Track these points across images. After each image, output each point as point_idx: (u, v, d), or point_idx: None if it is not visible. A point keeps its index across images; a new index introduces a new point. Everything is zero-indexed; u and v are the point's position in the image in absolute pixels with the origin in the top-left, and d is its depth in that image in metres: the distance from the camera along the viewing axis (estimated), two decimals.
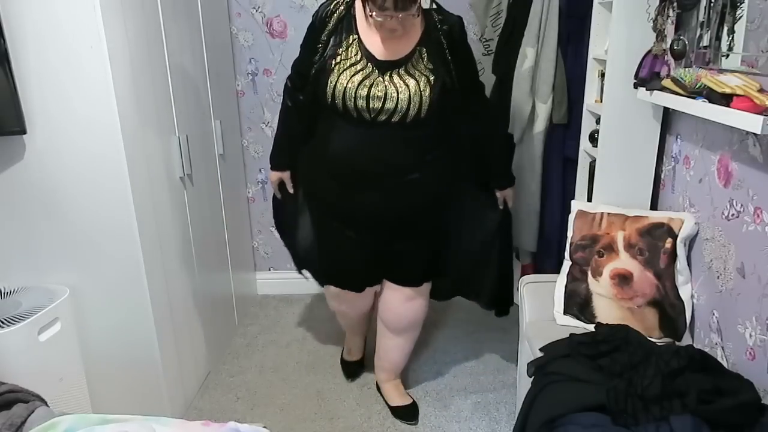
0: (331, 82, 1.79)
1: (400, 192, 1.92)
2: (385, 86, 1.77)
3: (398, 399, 2.26)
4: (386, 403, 2.28)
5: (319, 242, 2.12)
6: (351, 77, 1.77)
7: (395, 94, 1.76)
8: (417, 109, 1.78)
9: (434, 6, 1.84)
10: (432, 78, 1.78)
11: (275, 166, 2.13)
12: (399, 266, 2.07)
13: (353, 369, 2.52)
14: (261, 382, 2.46)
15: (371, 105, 1.77)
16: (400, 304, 2.13)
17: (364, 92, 1.77)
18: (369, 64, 1.78)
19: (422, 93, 1.77)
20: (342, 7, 1.83)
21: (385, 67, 1.78)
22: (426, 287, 2.16)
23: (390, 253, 2.03)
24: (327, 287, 2.23)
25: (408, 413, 2.21)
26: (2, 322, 1.58)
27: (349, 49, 1.80)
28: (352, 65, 1.79)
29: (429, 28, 1.80)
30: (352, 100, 1.77)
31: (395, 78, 1.78)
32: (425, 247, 2.06)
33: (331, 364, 2.58)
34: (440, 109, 1.82)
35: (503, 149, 2.16)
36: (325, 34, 1.83)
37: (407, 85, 1.77)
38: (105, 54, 1.68)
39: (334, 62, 1.80)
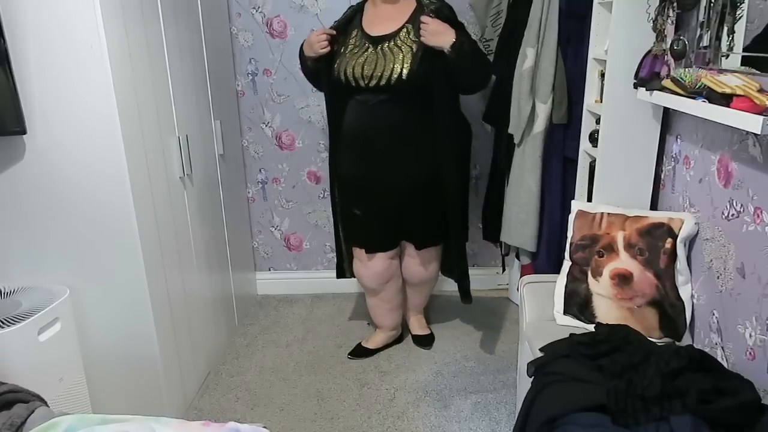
0: (338, 62, 2.23)
1: (399, 160, 2.26)
2: (376, 55, 2.16)
3: (419, 329, 2.74)
4: (410, 333, 2.75)
5: (342, 214, 2.53)
6: (352, 54, 2.21)
7: (383, 60, 2.15)
8: (399, 72, 2.13)
9: None
10: (414, 48, 2.13)
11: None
12: (405, 233, 2.45)
13: (361, 351, 2.64)
14: (261, 382, 2.46)
15: (365, 72, 2.16)
16: (415, 266, 2.55)
17: (360, 61, 2.17)
18: (365, 42, 2.21)
19: (404, 59, 2.13)
20: (351, 12, 2.31)
21: (377, 41, 2.18)
22: (433, 252, 2.52)
23: (395, 223, 2.40)
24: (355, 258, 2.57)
25: (424, 341, 2.70)
26: (2, 322, 1.58)
27: (354, 38, 2.24)
28: (354, 47, 2.22)
29: (417, 9, 2.18)
30: (351, 68, 2.18)
31: (385, 48, 2.16)
32: (421, 217, 2.39)
33: (331, 364, 2.58)
34: (425, 79, 2.13)
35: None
36: (342, 36, 2.27)
37: (392, 53, 2.15)
38: (105, 54, 1.68)
39: (344, 49, 2.24)
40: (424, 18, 2.10)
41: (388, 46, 2.16)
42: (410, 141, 2.24)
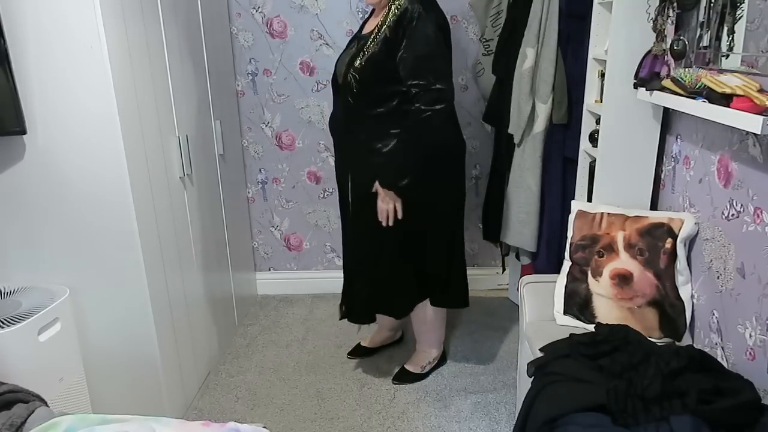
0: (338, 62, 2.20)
1: (352, 160, 2.18)
2: (348, 54, 2.11)
3: (408, 363, 2.50)
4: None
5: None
6: (343, 53, 2.18)
7: (344, 59, 2.11)
8: (343, 75, 2.07)
9: None
10: (368, 53, 2.02)
11: None
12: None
13: (360, 351, 2.64)
14: (261, 382, 2.46)
15: (338, 69, 2.14)
16: None
17: (342, 57, 2.16)
18: (355, 40, 2.16)
19: (352, 63, 2.05)
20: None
21: (359, 40, 2.10)
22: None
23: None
24: None
25: (401, 376, 2.46)
26: (2, 322, 1.58)
27: (355, 38, 2.18)
28: (349, 44, 2.20)
29: (389, 10, 2.01)
30: (335, 66, 2.18)
31: (359, 46, 2.07)
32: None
33: (331, 364, 2.58)
34: (369, 84, 2.03)
35: (402, 151, 2.04)
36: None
37: (351, 53, 2.09)
38: (105, 54, 1.68)
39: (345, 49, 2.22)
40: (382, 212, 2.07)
41: (363, 44, 2.05)
42: (358, 136, 2.11)
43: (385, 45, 1.98)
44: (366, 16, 2.34)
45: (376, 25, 2.03)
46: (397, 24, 1.96)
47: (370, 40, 2.02)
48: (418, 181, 2.07)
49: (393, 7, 1.98)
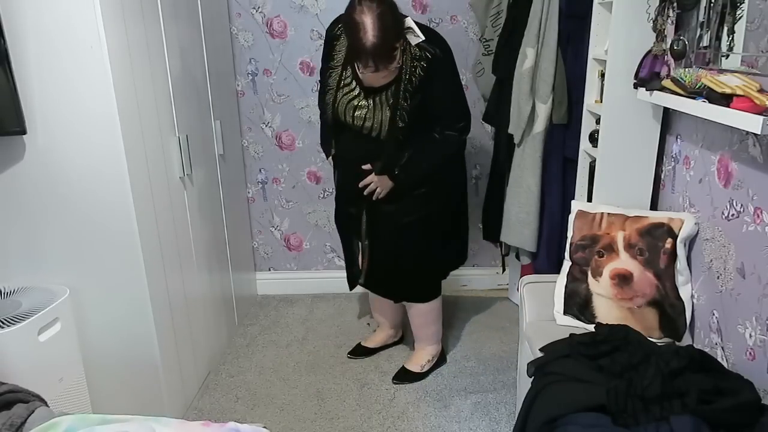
0: (334, 102, 2.13)
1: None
2: (366, 108, 2.08)
3: (408, 362, 2.53)
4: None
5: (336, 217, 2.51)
6: (344, 97, 2.11)
7: (371, 116, 2.07)
8: (378, 128, 2.08)
9: (423, 39, 2.00)
10: (406, 109, 2.04)
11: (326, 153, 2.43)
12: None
13: (360, 351, 2.65)
14: (261, 382, 2.46)
15: (356, 122, 2.11)
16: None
17: (351, 111, 2.11)
18: (358, 87, 2.09)
19: (389, 118, 2.05)
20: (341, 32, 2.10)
21: (369, 91, 2.07)
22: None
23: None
24: None
25: (401, 375, 2.48)
26: (2, 322, 1.58)
27: (348, 78, 2.11)
28: (346, 86, 2.11)
29: (409, 61, 2.02)
30: (344, 115, 2.12)
31: (376, 101, 2.07)
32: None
33: (331, 364, 2.58)
34: (408, 130, 2.08)
35: (421, 156, 2.15)
36: (334, 60, 2.14)
37: (381, 110, 2.06)
38: (105, 54, 1.68)
39: (336, 86, 2.12)
40: (369, 186, 2.17)
41: (378, 99, 2.05)
42: (389, 173, 2.18)
43: (418, 94, 2.04)
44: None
45: (401, 79, 2.02)
46: (426, 72, 2.02)
47: (401, 96, 2.03)
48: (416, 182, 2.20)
49: (410, 61, 2.01)
